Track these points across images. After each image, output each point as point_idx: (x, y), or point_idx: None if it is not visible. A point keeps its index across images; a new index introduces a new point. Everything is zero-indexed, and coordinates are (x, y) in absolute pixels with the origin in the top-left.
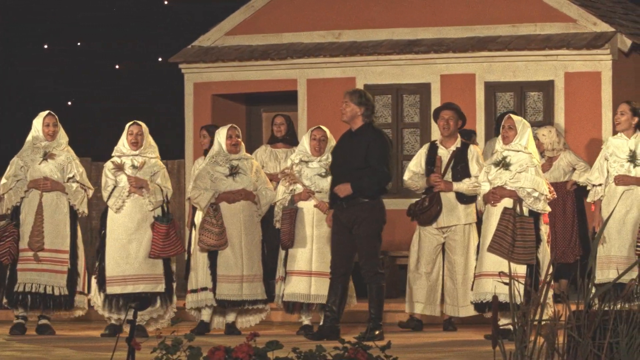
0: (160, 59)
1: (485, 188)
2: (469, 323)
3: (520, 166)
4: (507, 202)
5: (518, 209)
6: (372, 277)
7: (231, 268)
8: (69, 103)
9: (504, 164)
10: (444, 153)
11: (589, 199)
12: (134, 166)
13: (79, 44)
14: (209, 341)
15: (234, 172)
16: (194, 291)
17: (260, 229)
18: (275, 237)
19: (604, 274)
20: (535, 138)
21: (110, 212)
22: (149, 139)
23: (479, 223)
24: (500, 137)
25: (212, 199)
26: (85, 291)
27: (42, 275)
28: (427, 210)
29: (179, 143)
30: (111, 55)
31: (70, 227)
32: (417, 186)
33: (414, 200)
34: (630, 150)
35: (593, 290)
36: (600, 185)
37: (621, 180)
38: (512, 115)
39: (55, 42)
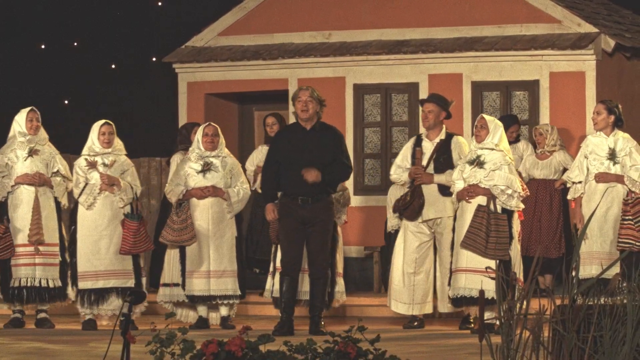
0: (154, 59)
1: (459, 186)
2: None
3: (494, 164)
4: (481, 200)
5: (492, 206)
6: (322, 272)
7: (198, 263)
8: (66, 102)
9: (478, 163)
10: (428, 145)
11: (569, 196)
12: (104, 164)
13: (75, 44)
14: (200, 334)
15: (205, 169)
16: (166, 285)
17: (234, 225)
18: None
19: (587, 269)
20: (540, 134)
21: (81, 209)
22: (117, 138)
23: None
24: (473, 136)
25: (180, 195)
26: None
27: (36, 269)
28: (409, 204)
29: (172, 141)
30: (106, 55)
31: (57, 220)
32: (402, 180)
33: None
34: (610, 148)
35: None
36: (580, 182)
37: (601, 177)
38: (484, 115)
39: (52, 42)
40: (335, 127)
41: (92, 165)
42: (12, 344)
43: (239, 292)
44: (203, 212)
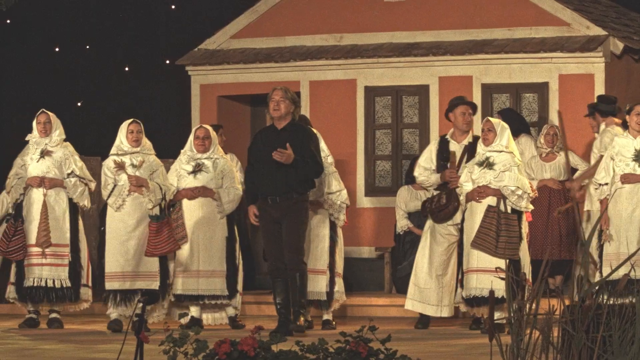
0: (167, 62)
1: (468, 187)
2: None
3: (503, 165)
4: (491, 201)
5: (502, 206)
6: (297, 266)
7: (187, 263)
8: (79, 104)
9: (487, 164)
10: (457, 148)
11: (595, 198)
12: (133, 165)
13: (87, 47)
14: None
15: (196, 169)
16: None
17: (225, 226)
18: None
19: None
20: (554, 133)
21: (109, 210)
22: (145, 137)
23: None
24: (480, 139)
25: (171, 195)
26: (89, 284)
27: (44, 270)
28: (445, 207)
29: (185, 142)
30: (120, 57)
31: (70, 221)
32: (430, 182)
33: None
34: (636, 150)
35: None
36: (606, 184)
37: (627, 178)
38: (491, 118)
39: (66, 45)
40: (309, 127)
41: (120, 166)
42: (7, 344)
43: (226, 292)
44: (193, 212)
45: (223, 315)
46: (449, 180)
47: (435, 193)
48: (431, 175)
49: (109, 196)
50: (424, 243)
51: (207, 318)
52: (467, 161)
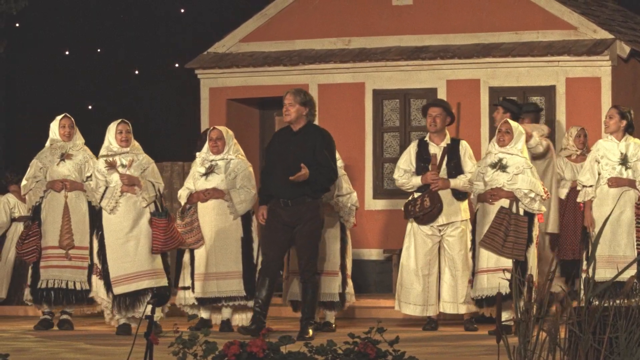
0: (177, 65)
1: (479, 188)
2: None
3: (517, 168)
4: (504, 202)
5: (514, 208)
6: (311, 277)
7: (204, 266)
8: (89, 107)
9: (500, 166)
10: (435, 150)
11: (579, 199)
12: (122, 165)
13: (98, 50)
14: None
15: (208, 171)
16: (182, 288)
17: (240, 227)
18: None
19: (600, 273)
20: (585, 135)
21: (104, 213)
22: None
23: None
24: (495, 139)
25: (186, 198)
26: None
27: (65, 272)
28: (429, 210)
29: (194, 145)
30: (130, 61)
31: (89, 224)
32: (411, 184)
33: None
34: (621, 153)
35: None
36: (591, 186)
37: (614, 182)
38: (509, 120)
39: (76, 48)
40: (326, 130)
41: (112, 165)
42: (16, 345)
43: (243, 293)
44: (206, 214)
45: (243, 317)
46: (430, 182)
47: (416, 195)
48: (412, 178)
49: (101, 199)
50: (408, 244)
51: (238, 319)
52: (448, 163)
